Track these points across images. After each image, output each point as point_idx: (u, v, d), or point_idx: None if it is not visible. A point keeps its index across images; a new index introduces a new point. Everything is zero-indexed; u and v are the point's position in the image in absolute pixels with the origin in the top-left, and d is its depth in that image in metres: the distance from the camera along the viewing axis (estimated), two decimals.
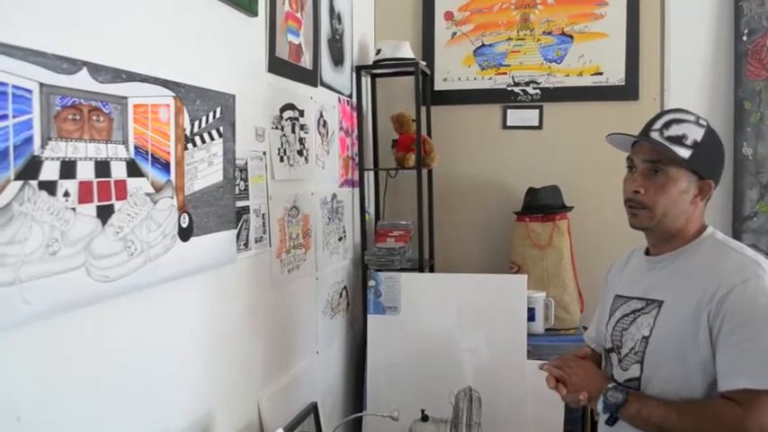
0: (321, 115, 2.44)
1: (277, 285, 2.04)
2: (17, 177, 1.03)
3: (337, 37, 2.63)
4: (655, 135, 1.47)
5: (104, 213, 1.22)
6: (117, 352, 1.30)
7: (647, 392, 1.46)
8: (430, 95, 3.07)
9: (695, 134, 1.46)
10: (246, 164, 1.83)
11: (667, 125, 1.47)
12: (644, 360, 1.47)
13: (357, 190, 2.85)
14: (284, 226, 2.10)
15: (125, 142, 1.29)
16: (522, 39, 3.07)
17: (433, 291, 2.61)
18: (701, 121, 1.49)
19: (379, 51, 2.83)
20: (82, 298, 1.17)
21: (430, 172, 3.03)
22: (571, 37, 3.03)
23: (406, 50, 2.83)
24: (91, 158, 1.19)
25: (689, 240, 1.50)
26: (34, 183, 1.06)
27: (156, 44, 1.42)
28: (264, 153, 1.96)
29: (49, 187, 1.09)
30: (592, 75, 3.01)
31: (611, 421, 1.47)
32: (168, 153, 1.43)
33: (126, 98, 1.29)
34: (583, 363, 1.59)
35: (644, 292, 1.53)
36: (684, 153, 1.44)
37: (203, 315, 1.63)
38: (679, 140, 1.44)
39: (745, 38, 2.85)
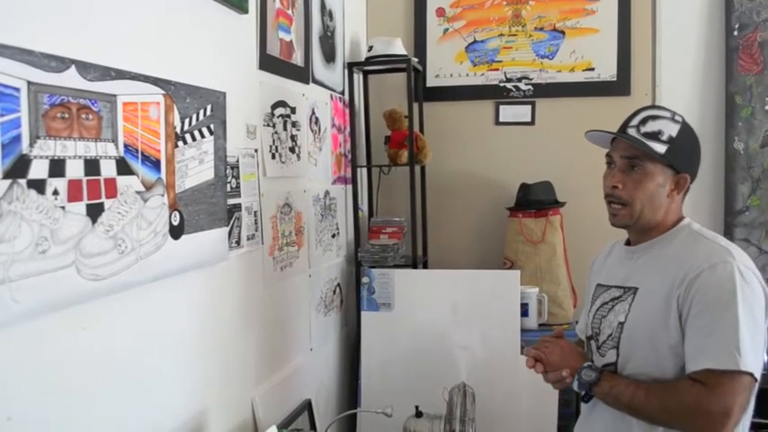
0: (313, 112, 2.44)
1: (270, 283, 2.04)
2: (5, 176, 1.03)
3: (329, 34, 2.63)
4: (632, 131, 1.51)
5: (94, 212, 1.22)
6: (108, 350, 1.30)
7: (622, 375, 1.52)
8: (422, 92, 3.07)
9: (670, 130, 1.50)
10: (238, 161, 1.83)
11: (644, 122, 1.51)
12: (619, 345, 1.51)
13: (350, 187, 2.85)
14: (277, 223, 2.09)
15: (114, 140, 1.28)
16: (514, 35, 3.08)
17: (426, 287, 2.62)
18: (677, 117, 1.53)
19: (371, 48, 2.83)
20: (72, 297, 1.17)
21: (423, 168, 3.04)
22: (563, 33, 3.03)
23: (398, 47, 2.83)
24: (80, 157, 1.19)
25: (665, 231, 1.54)
26: (23, 181, 1.06)
27: (146, 42, 1.41)
28: (256, 150, 1.96)
29: (38, 186, 1.09)
30: (584, 70, 3.01)
31: (586, 399, 1.53)
32: (158, 151, 1.43)
33: (115, 96, 1.28)
34: (559, 341, 1.63)
35: (622, 280, 1.57)
36: (660, 148, 1.48)
37: (195, 313, 1.63)
38: (655, 136, 1.49)
39: (736, 33, 2.86)
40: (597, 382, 1.48)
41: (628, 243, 1.64)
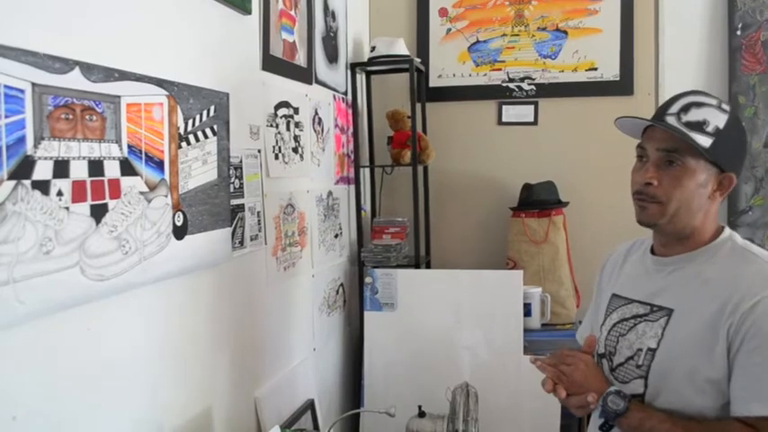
0: (316, 113, 2.44)
1: (273, 283, 2.04)
2: (10, 177, 1.03)
3: (332, 34, 2.63)
4: (671, 120, 1.28)
5: (98, 212, 1.23)
6: (112, 350, 1.31)
7: None
8: (425, 92, 3.08)
9: (717, 120, 1.27)
10: (241, 162, 1.84)
11: (686, 109, 1.29)
12: (649, 375, 1.30)
13: (353, 187, 2.86)
14: (280, 224, 2.10)
15: (118, 141, 1.29)
16: (517, 35, 3.08)
17: (429, 287, 2.62)
18: (724, 106, 1.31)
19: (373, 48, 2.83)
20: (76, 297, 1.18)
21: (425, 168, 3.04)
22: (565, 33, 3.03)
23: (401, 47, 2.83)
24: (84, 158, 1.19)
25: (704, 242, 1.33)
26: (27, 182, 1.07)
27: (149, 43, 1.42)
28: (259, 151, 1.96)
29: (43, 187, 1.10)
30: (586, 70, 3.01)
31: (606, 428, 1.33)
32: (162, 152, 1.43)
33: (119, 97, 1.29)
34: (583, 357, 1.40)
35: (649, 296, 1.36)
36: (705, 141, 1.25)
37: (199, 313, 1.63)
38: (699, 127, 1.26)
39: (739, 32, 2.86)
40: (625, 412, 1.27)
41: (652, 251, 1.42)
